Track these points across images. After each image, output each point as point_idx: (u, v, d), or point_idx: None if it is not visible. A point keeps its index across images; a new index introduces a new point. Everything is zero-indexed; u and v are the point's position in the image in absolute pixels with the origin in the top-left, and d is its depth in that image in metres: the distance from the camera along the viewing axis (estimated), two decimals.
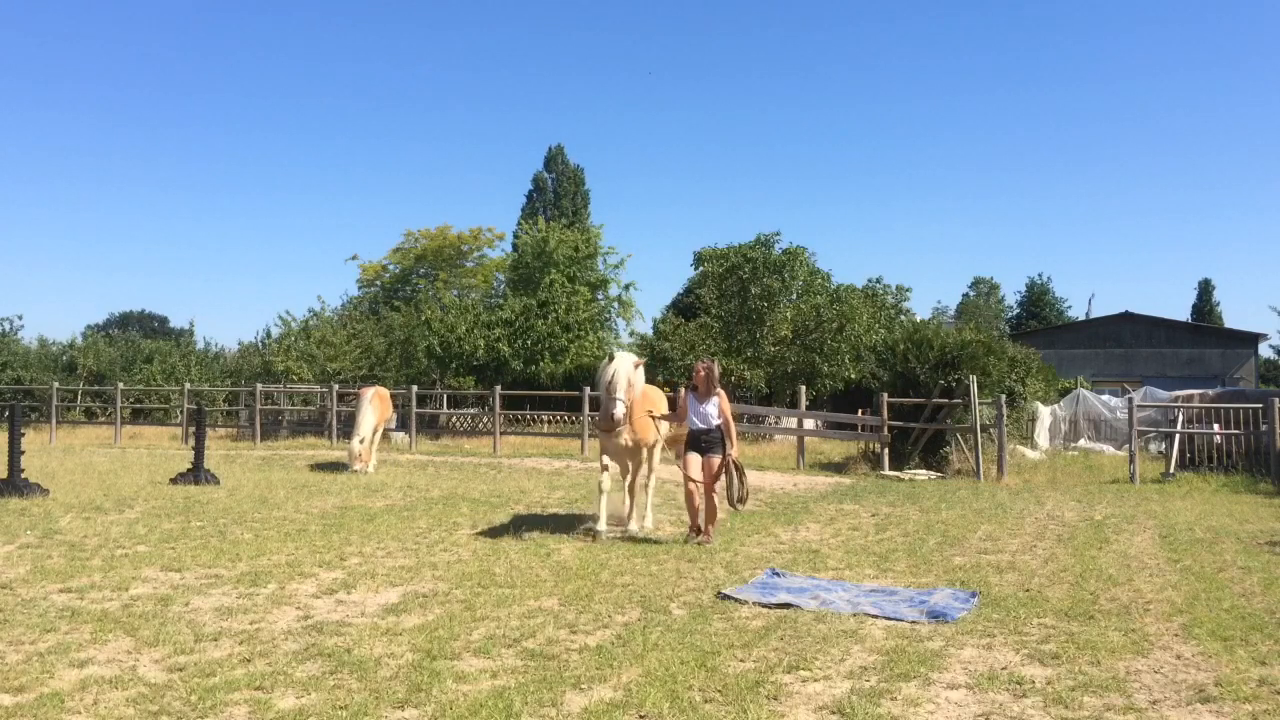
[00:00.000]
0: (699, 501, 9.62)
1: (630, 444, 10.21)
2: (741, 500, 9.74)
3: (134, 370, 35.95)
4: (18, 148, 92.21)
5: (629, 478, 10.62)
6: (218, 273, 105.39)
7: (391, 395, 21.61)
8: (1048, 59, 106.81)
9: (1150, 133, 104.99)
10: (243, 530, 10.00)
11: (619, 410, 9.72)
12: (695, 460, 9.72)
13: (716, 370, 9.96)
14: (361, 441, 17.07)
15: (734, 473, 9.64)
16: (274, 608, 6.58)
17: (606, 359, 10.24)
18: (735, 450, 9.77)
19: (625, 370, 9.94)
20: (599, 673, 5.10)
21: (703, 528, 9.62)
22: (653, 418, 10.26)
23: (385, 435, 21.38)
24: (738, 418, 27.70)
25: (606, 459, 10.43)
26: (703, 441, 9.74)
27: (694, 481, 9.59)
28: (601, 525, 9.88)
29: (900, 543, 9.80)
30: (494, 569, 8.01)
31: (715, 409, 9.74)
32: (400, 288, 45.99)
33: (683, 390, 10.19)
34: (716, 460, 9.65)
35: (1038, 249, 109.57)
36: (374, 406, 17.52)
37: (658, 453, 10.75)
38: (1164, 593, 7.38)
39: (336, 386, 26.44)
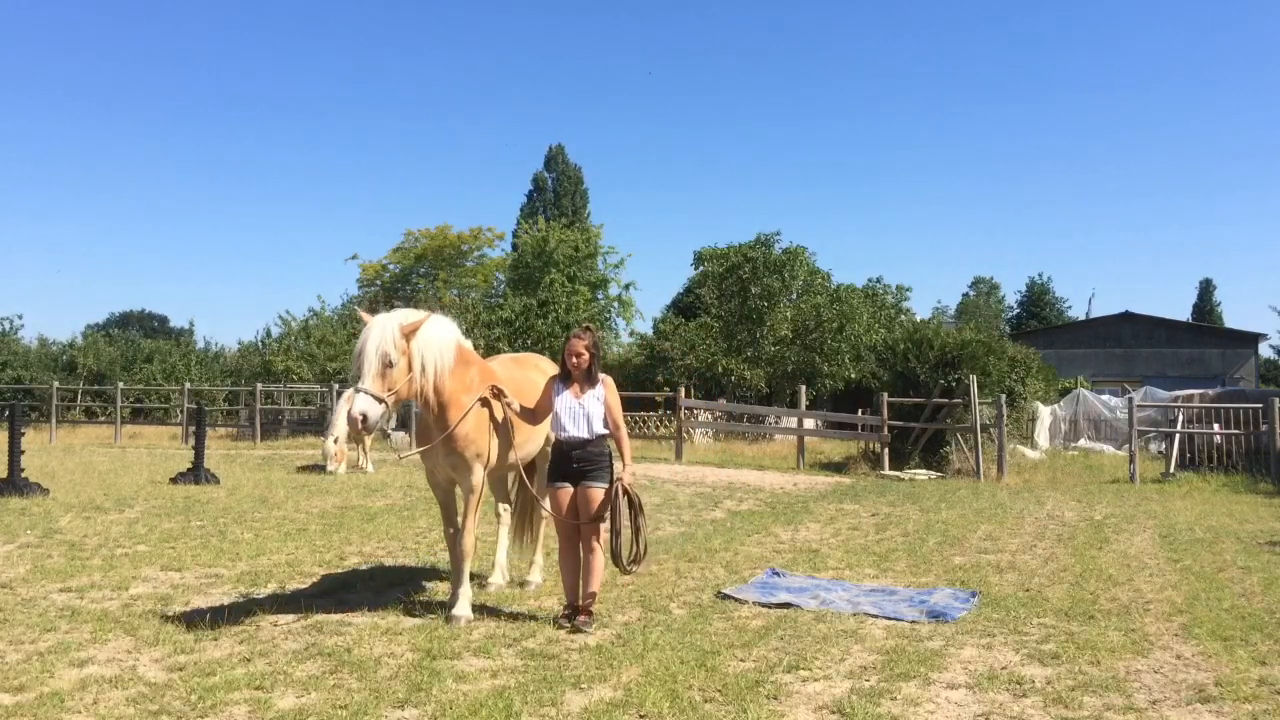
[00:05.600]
0: (578, 559, 6.26)
1: (452, 461, 6.28)
2: (635, 559, 6.17)
3: (134, 370, 36.03)
4: (18, 148, 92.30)
5: (459, 515, 6.46)
6: (218, 273, 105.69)
7: None
8: (1048, 59, 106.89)
9: (1150, 133, 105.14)
10: (243, 530, 10.00)
11: (359, 407, 5.68)
12: (565, 495, 6.19)
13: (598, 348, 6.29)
14: (335, 441, 17.02)
15: (624, 512, 6.06)
16: (274, 607, 6.58)
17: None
18: (629, 473, 6.15)
19: (379, 340, 5.78)
20: (599, 672, 5.10)
21: (579, 602, 6.15)
22: (503, 402, 6.24)
23: (384, 435, 21.37)
24: (738, 417, 27.74)
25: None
26: (574, 461, 6.13)
27: (567, 534, 6.27)
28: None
29: (900, 543, 9.79)
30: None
31: (599, 406, 6.16)
32: (400, 287, 46.06)
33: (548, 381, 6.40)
34: (598, 492, 6.09)
35: (1038, 249, 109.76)
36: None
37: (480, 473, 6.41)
38: (1164, 593, 7.38)
39: (336, 386, 26.43)
